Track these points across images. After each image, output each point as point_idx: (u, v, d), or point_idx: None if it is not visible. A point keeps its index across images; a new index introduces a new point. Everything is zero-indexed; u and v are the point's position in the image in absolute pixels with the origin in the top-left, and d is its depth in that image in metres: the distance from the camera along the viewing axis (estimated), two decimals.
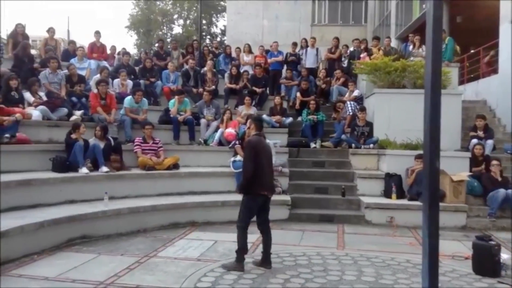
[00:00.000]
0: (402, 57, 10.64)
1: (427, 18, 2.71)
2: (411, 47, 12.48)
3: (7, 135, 7.48)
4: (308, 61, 13.21)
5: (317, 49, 13.44)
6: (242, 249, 5.30)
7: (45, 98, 9.11)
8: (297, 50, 13.51)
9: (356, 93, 11.25)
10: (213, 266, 5.41)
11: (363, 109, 10.06)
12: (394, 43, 16.12)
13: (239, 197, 8.23)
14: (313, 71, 13.03)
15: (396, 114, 9.61)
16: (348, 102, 10.85)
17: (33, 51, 12.11)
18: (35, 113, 8.48)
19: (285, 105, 11.65)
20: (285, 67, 13.32)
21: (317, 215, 8.34)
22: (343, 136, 10.11)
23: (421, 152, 8.41)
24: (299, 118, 11.03)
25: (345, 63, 12.98)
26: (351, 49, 13.32)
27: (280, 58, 13.29)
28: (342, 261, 5.79)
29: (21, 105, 8.52)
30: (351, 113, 10.50)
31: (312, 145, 10.28)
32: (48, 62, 9.75)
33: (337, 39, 13.69)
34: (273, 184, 5.43)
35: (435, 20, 2.66)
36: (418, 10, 16.25)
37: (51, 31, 12.24)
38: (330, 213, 8.44)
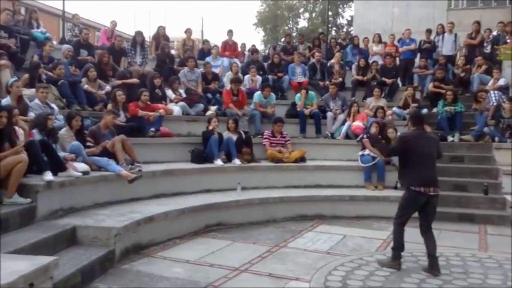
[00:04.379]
0: None
1: None
2: None
3: (152, 129, 8.25)
4: (445, 48, 12.29)
5: (455, 35, 12.44)
6: (397, 246, 5.08)
7: (184, 95, 9.85)
8: (431, 37, 12.65)
9: (501, 81, 10.19)
10: (343, 261, 5.35)
11: (510, 99, 9.07)
12: None
13: (367, 192, 8.20)
14: (450, 59, 12.11)
15: None
16: (491, 92, 9.88)
17: (173, 51, 13.14)
18: (176, 109, 9.21)
19: (418, 95, 11.00)
20: (418, 55, 12.58)
21: (455, 214, 7.73)
22: (485, 129, 9.23)
23: None
24: (434, 110, 10.32)
25: (487, 49, 11.81)
26: (495, 33, 12.08)
27: (413, 46, 12.56)
28: (485, 264, 5.33)
29: (163, 101, 9.31)
30: (495, 104, 9.56)
31: (450, 138, 9.54)
32: (186, 62, 10.50)
33: (478, 23, 12.51)
34: (433, 179, 4.98)
35: None
36: None
37: (188, 32, 13.16)
38: (470, 212, 7.79)
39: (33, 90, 7.15)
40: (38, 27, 10.71)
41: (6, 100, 6.28)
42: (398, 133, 8.26)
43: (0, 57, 7.25)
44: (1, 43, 8.37)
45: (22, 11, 12.11)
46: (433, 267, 4.96)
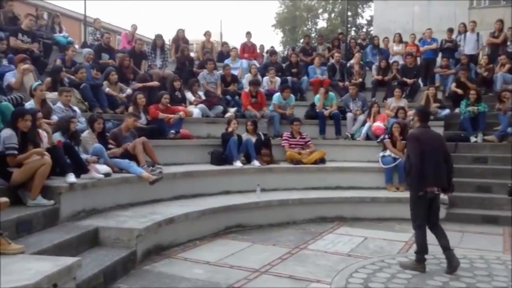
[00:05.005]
0: None
1: None
2: None
3: (172, 131, 8.31)
4: (468, 47, 12.10)
5: (477, 34, 12.22)
6: (420, 250, 5.02)
7: (203, 97, 9.90)
8: (453, 36, 12.45)
9: None
10: (364, 263, 5.30)
11: None
12: None
13: (388, 193, 8.11)
14: (473, 58, 11.91)
15: None
16: None
17: (192, 54, 13.23)
18: (196, 111, 9.26)
19: (440, 95, 10.83)
20: (440, 55, 12.40)
21: (479, 216, 7.60)
22: (509, 129, 9.02)
23: None
24: (457, 110, 10.15)
25: (511, 48, 11.56)
26: None
27: (434, 45, 12.39)
28: (509, 267, 5.21)
29: (183, 104, 9.37)
30: None
31: (473, 139, 9.37)
32: (206, 64, 10.56)
33: (501, 21, 12.28)
34: (441, 177, 4.97)
35: None
36: None
37: (207, 34, 13.24)
38: (494, 214, 7.64)
39: (56, 93, 7.28)
40: (60, 32, 10.91)
41: (30, 104, 6.40)
42: None
43: (23, 61, 7.38)
44: (24, 47, 8.54)
45: (45, 16, 12.36)
46: (451, 260, 4.91)
